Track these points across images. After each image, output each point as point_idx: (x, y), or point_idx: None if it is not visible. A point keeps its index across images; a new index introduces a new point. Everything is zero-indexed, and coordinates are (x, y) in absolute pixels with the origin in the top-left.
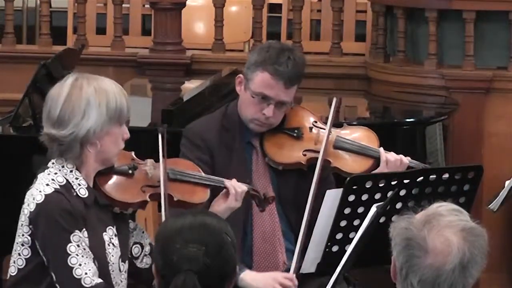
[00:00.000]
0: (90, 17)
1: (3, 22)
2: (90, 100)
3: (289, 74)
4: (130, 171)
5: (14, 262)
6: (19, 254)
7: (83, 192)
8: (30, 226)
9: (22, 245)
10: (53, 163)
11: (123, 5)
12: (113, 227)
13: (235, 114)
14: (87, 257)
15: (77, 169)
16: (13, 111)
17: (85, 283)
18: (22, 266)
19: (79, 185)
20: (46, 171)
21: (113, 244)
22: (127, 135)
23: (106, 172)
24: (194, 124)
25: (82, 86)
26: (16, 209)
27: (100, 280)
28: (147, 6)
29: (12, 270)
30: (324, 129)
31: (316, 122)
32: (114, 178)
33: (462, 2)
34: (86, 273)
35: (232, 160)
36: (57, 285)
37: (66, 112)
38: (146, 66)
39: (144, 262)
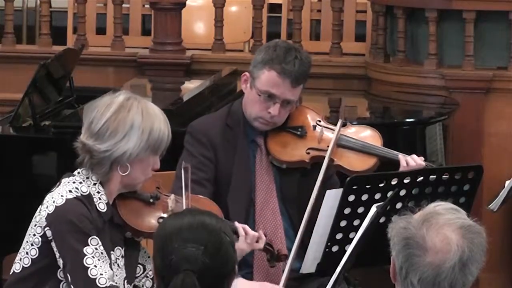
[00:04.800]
0: (90, 17)
1: (3, 22)
2: (135, 124)
3: (296, 73)
4: (151, 200)
5: (20, 260)
6: (27, 253)
7: (102, 207)
8: (46, 228)
9: (32, 244)
10: (78, 172)
11: (123, 5)
12: (122, 248)
13: (239, 112)
14: (103, 261)
15: (100, 183)
16: (13, 111)
17: (100, 283)
18: (27, 265)
19: (100, 199)
20: (71, 178)
21: (118, 265)
22: (157, 165)
23: (127, 195)
24: (197, 121)
25: (131, 108)
26: (16, 209)
27: (114, 284)
28: (147, 6)
29: (17, 267)
30: (328, 127)
31: (320, 121)
32: (133, 203)
33: (462, 2)
34: (101, 274)
35: (235, 158)
36: (72, 286)
37: (109, 128)
38: (146, 66)
39: (142, 282)
